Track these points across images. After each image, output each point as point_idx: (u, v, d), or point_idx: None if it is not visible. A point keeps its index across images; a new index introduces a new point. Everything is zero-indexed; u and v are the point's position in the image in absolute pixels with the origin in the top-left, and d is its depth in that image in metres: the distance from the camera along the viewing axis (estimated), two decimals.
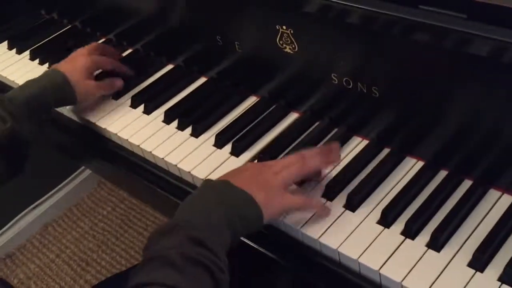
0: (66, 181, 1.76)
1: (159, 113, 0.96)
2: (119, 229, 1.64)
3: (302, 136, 0.87)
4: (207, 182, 0.72)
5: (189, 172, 0.84)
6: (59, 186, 1.75)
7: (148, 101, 0.98)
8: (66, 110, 1.01)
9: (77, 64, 0.96)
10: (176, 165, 0.85)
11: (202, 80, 1.02)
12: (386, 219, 0.72)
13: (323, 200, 0.77)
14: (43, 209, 1.72)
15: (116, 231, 1.64)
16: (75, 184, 1.78)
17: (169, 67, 1.06)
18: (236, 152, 0.86)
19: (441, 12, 0.66)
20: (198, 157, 0.86)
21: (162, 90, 1.00)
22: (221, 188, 0.69)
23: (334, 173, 0.80)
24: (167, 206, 0.91)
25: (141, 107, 0.98)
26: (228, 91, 0.97)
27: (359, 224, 0.72)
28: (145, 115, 0.96)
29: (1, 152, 0.83)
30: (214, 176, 0.81)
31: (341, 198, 0.76)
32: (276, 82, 0.91)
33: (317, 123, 0.88)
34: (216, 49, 0.94)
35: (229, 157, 0.86)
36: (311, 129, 0.88)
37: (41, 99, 0.90)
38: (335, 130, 0.86)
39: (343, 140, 0.85)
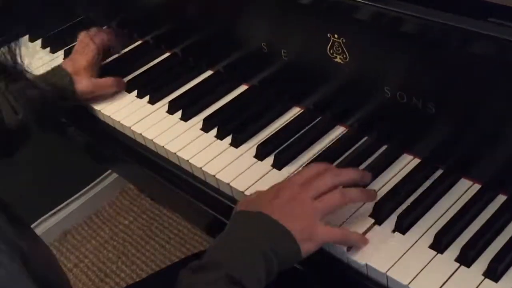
0: (87, 187, 1.74)
1: (198, 120, 0.93)
2: (140, 240, 1.62)
3: (348, 152, 0.84)
4: (242, 214, 0.70)
5: (228, 184, 0.81)
6: (80, 192, 1.73)
7: (186, 107, 0.95)
8: (100, 114, 1.01)
9: (81, 61, 1.00)
10: (214, 176, 0.83)
11: (243, 88, 0.99)
12: (440, 244, 0.68)
13: (370, 220, 0.74)
14: (62, 216, 1.70)
15: (137, 243, 1.61)
16: (96, 191, 1.75)
17: (209, 73, 1.04)
18: (278, 165, 0.83)
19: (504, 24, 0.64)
20: (237, 168, 0.84)
21: (201, 97, 0.98)
22: (258, 223, 0.68)
23: (383, 192, 0.77)
24: (201, 218, 0.89)
25: (179, 113, 0.95)
26: (271, 101, 0.94)
27: (410, 247, 0.69)
28: (182, 122, 0.94)
29: (7, 139, 0.84)
30: (254, 189, 0.79)
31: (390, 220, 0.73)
32: (322, 93, 0.89)
33: (364, 138, 0.85)
34: (261, 56, 0.92)
35: (270, 170, 0.83)
36: (358, 144, 0.85)
37: (47, 97, 0.93)
38: (385, 147, 0.84)
39: (392, 158, 0.82)
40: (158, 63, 1.09)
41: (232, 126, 0.90)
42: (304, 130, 0.89)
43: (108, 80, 1.02)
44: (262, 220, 0.67)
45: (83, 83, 0.99)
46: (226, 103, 0.97)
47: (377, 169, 0.80)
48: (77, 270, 1.59)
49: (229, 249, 0.67)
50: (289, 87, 0.94)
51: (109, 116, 0.98)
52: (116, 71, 1.06)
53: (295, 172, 0.82)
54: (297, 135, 0.88)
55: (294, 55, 0.88)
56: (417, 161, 0.80)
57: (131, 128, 0.95)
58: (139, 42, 1.16)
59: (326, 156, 0.84)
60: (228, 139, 0.89)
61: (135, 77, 1.07)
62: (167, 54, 1.11)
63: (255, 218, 0.68)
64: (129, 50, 1.14)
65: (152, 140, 0.91)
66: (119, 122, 0.97)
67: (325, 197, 0.70)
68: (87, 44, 1.03)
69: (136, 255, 1.58)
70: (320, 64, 0.84)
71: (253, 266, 0.64)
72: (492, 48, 0.65)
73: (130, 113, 0.98)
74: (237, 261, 0.64)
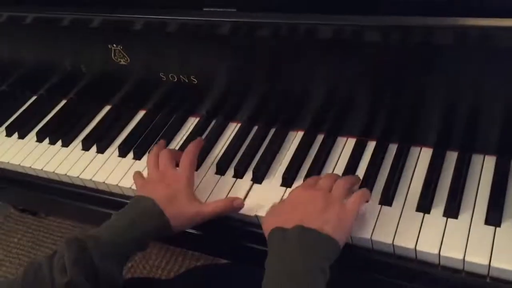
0: None
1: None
2: (32, 249, 1.73)
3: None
4: (280, 233, 0.68)
5: (104, 182, 0.93)
6: None
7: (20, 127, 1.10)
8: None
9: (182, 193, 0.80)
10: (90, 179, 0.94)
11: (63, 102, 1.15)
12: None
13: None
14: None
15: (29, 252, 1.72)
16: None
17: (34, 97, 1.19)
18: (137, 157, 0.96)
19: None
20: (107, 168, 0.96)
21: (32, 116, 1.13)
22: (300, 239, 0.66)
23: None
24: (84, 215, 1.02)
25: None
26: (86, 107, 1.11)
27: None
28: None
29: None
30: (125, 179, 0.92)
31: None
32: (125, 92, 1.06)
33: (159, 115, 1.05)
34: (68, 74, 1.08)
35: (133, 162, 1.00)
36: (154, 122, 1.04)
37: (129, 234, 0.75)
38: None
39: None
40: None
41: (94, 137, 1.02)
42: (117, 121, 1.06)
43: (219, 204, 0.80)
44: (304, 235, 0.67)
45: (191, 218, 0.79)
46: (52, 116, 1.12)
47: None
48: None
49: (293, 277, 0.64)
50: (97, 92, 1.10)
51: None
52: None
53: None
54: (111, 126, 1.05)
55: (91, 67, 1.04)
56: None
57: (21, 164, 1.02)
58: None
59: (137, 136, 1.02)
60: (94, 148, 1.01)
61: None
62: None
63: (296, 235, 0.67)
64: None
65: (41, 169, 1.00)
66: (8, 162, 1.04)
67: (339, 184, 0.74)
68: (173, 170, 0.84)
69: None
70: (112, 69, 1.00)
71: (319, 286, 0.64)
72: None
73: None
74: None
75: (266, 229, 0.71)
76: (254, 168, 0.88)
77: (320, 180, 0.76)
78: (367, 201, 0.77)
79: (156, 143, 0.98)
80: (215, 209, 0.80)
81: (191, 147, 0.87)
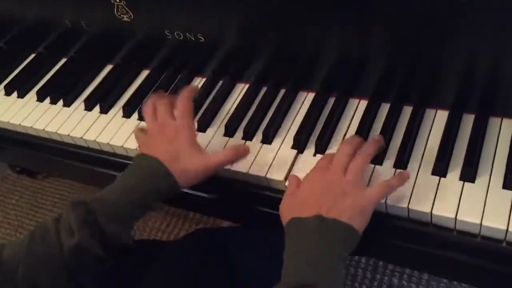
0: None
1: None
2: (31, 211, 1.70)
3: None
4: (298, 223, 0.66)
5: (108, 143, 0.89)
6: None
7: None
8: None
9: (183, 148, 0.74)
10: (94, 140, 0.91)
11: (63, 60, 1.10)
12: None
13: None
14: None
15: (28, 214, 1.69)
16: None
17: (33, 55, 1.13)
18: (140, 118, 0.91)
19: None
20: (111, 129, 0.92)
21: (31, 75, 1.08)
22: (320, 229, 0.64)
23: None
24: (84, 174, 0.99)
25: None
26: (88, 66, 1.06)
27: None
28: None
29: (65, 267, 0.67)
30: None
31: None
32: (130, 50, 1.01)
33: (164, 75, 1.00)
34: (67, 31, 1.02)
35: (138, 123, 0.97)
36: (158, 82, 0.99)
37: (137, 195, 0.71)
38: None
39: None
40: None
41: (97, 96, 0.98)
42: (120, 80, 1.01)
43: (225, 153, 0.76)
44: (336, 225, 0.64)
45: (200, 172, 0.74)
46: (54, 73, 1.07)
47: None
48: None
49: (312, 264, 0.63)
50: (99, 50, 1.05)
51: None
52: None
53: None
54: (118, 86, 1.00)
55: (92, 24, 0.99)
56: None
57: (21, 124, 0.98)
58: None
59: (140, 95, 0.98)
60: (97, 108, 0.96)
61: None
62: None
63: (326, 225, 0.64)
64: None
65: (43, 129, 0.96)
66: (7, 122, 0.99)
67: (352, 168, 0.69)
68: (173, 121, 0.77)
69: (30, 224, 1.67)
70: (114, 25, 0.95)
71: (338, 273, 0.63)
72: None
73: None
74: (326, 275, 0.62)
75: (284, 218, 0.69)
76: (264, 130, 0.84)
77: (334, 159, 0.70)
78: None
79: None
80: (223, 158, 0.75)
81: (185, 92, 0.80)
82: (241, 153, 0.77)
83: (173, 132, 0.75)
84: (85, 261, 0.67)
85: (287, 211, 0.69)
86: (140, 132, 0.82)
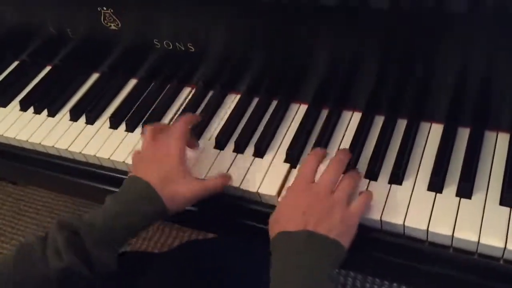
0: None
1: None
2: (13, 219, 1.65)
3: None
4: (285, 237, 0.64)
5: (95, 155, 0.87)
6: None
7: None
8: None
9: (174, 172, 0.73)
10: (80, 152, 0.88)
11: (48, 68, 1.07)
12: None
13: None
14: None
15: (10, 222, 1.64)
16: None
17: (16, 63, 1.09)
18: (130, 129, 0.89)
19: None
20: (98, 141, 0.89)
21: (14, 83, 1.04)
22: (308, 244, 0.63)
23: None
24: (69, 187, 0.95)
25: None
26: (73, 75, 1.02)
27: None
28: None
29: None
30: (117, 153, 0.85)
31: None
32: (112, 58, 0.98)
33: (152, 84, 0.97)
34: (53, 39, 0.99)
35: (126, 135, 0.90)
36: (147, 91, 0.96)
37: (124, 220, 0.70)
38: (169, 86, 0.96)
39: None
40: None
41: (83, 106, 0.95)
42: (105, 89, 0.98)
43: (215, 181, 0.76)
44: (326, 242, 0.63)
45: (188, 199, 0.73)
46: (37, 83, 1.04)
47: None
48: None
49: (302, 283, 0.61)
50: (84, 59, 1.02)
51: None
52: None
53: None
54: (103, 95, 0.97)
55: (78, 31, 0.95)
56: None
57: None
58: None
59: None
60: (83, 118, 0.93)
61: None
62: None
63: (314, 241, 0.63)
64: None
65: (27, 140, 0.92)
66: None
67: (342, 187, 0.68)
68: (168, 145, 0.75)
69: (12, 232, 1.63)
70: (101, 34, 0.92)
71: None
72: None
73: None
74: None
75: (271, 233, 0.67)
76: (256, 143, 0.82)
77: (323, 177, 0.69)
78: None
79: (149, 114, 0.91)
80: (212, 186, 0.75)
81: (181, 119, 0.80)
82: (230, 180, 0.77)
83: (164, 156, 0.74)
84: (73, 283, 0.65)
85: (274, 227, 0.67)
86: (136, 153, 0.80)
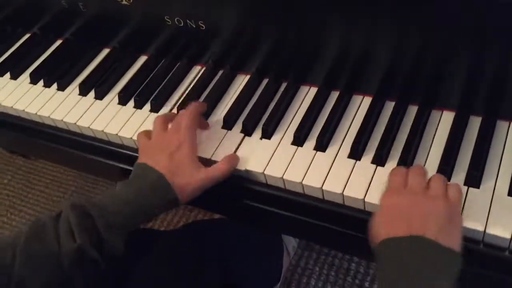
0: None
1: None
2: (22, 192, 1.66)
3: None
4: (396, 244, 0.60)
5: (103, 130, 0.86)
6: None
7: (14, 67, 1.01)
8: None
9: (184, 163, 0.73)
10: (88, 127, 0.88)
11: (58, 42, 1.06)
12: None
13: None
14: None
15: (20, 194, 1.65)
16: None
17: (27, 35, 1.09)
18: (138, 106, 0.89)
19: None
20: (106, 116, 0.88)
21: (25, 56, 1.03)
22: (421, 252, 0.58)
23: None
24: (79, 162, 0.95)
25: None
26: (83, 49, 1.02)
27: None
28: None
29: (62, 268, 0.65)
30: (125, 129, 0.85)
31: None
32: (122, 34, 0.97)
33: (162, 62, 0.96)
34: (63, 12, 0.97)
35: (134, 111, 0.88)
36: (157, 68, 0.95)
37: (136, 208, 0.70)
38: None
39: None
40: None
41: (93, 81, 0.94)
42: (115, 65, 0.97)
43: (221, 167, 0.75)
44: (440, 250, 0.58)
45: (197, 188, 0.73)
46: (47, 57, 1.03)
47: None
48: None
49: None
50: (95, 33, 1.00)
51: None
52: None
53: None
54: (111, 72, 0.96)
55: (90, 5, 0.94)
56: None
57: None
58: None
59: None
60: (92, 93, 0.93)
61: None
62: None
63: (427, 248, 0.58)
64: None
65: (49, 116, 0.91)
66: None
67: (434, 181, 0.65)
68: (178, 135, 0.75)
69: (21, 204, 1.63)
70: (113, 8, 0.90)
71: None
72: None
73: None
74: None
75: (374, 240, 0.63)
76: (263, 124, 0.81)
77: (410, 180, 0.66)
78: None
79: (158, 92, 0.90)
80: (219, 174, 0.74)
81: (191, 106, 0.79)
82: (235, 162, 0.76)
83: (175, 146, 0.74)
84: (83, 264, 0.66)
85: (378, 232, 0.62)
86: (143, 136, 0.79)
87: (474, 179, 0.69)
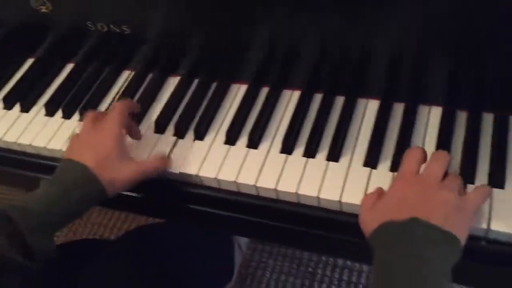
0: None
1: None
2: None
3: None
4: (392, 228, 0.58)
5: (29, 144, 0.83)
6: None
7: None
8: None
9: (110, 155, 0.71)
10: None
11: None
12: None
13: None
14: None
15: None
16: None
17: None
18: (66, 116, 0.86)
19: None
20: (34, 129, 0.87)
21: None
22: (421, 235, 0.56)
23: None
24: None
25: None
26: (4, 60, 0.98)
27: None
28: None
29: None
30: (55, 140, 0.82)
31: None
32: (45, 42, 0.94)
33: (89, 68, 0.93)
34: None
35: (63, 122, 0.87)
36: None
37: (62, 204, 0.68)
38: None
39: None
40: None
41: (17, 93, 0.91)
42: (41, 75, 0.94)
43: (153, 162, 0.75)
44: (442, 235, 0.56)
45: (127, 181, 0.72)
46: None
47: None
48: None
49: (417, 279, 0.54)
50: (20, 43, 0.97)
51: None
52: None
53: None
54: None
55: (6, 16, 0.90)
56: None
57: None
58: None
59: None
60: (17, 107, 0.89)
61: None
62: None
63: (428, 232, 0.56)
64: None
65: None
66: None
67: (450, 178, 0.62)
68: (106, 129, 0.73)
69: None
70: (32, 17, 0.87)
71: None
72: None
73: None
74: None
75: (369, 226, 0.60)
76: (195, 125, 0.80)
77: (429, 168, 0.63)
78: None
79: (87, 100, 0.88)
80: (151, 167, 0.74)
81: (118, 103, 0.78)
82: (168, 163, 0.76)
83: (102, 139, 0.72)
84: (6, 266, 0.63)
85: (371, 218, 0.61)
86: (75, 137, 0.77)
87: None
